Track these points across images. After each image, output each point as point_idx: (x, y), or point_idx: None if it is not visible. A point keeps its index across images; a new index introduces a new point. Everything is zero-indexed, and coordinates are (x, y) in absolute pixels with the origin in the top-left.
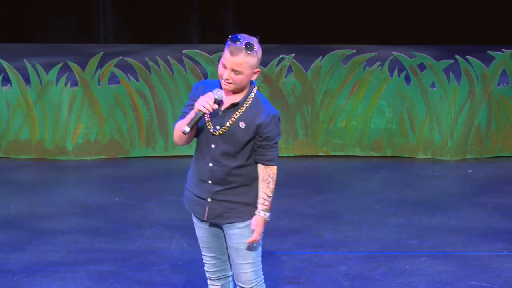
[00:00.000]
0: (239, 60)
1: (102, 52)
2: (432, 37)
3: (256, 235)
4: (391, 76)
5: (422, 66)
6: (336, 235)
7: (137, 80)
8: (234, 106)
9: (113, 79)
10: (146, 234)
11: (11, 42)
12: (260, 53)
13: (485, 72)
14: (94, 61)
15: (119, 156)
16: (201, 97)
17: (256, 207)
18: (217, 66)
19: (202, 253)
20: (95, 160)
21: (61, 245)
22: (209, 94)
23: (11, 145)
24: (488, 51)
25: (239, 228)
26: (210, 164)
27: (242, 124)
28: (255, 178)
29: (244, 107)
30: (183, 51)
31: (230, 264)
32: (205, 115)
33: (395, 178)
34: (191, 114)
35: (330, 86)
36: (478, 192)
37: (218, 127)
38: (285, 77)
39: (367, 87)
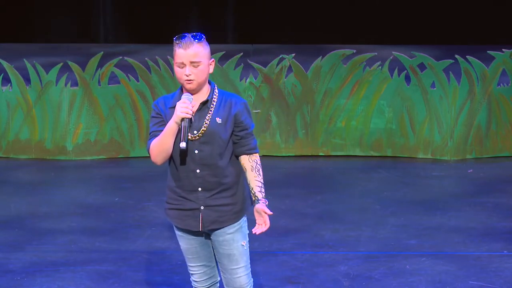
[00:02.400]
0: (194, 51)
1: (102, 52)
2: (432, 37)
3: (268, 221)
4: (391, 76)
5: (422, 66)
6: (336, 235)
7: (137, 80)
8: (204, 104)
9: (113, 79)
10: (146, 234)
11: (11, 42)
12: (208, 44)
13: (485, 72)
14: (94, 61)
15: (119, 156)
16: (177, 107)
17: (243, 206)
18: (217, 66)
19: (190, 264)
20: (95, 160)
21: (61, 245)
22: (183, 100)
23: (11, 145)
24: (488, 51)
25: (229, 233)
26: (198, 171)
27: (219, 120)
28: (239, 176)
29: (214, 102)
30: None
31: (218, 270)
32: (191, 120)
33: (395, 178)
34: (172, 127)
35: (330, 86)
36: (478, 192)
37: (195, 132)
38: (285, 77)
39: (367, 87)
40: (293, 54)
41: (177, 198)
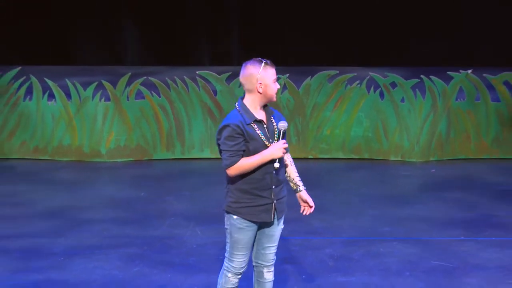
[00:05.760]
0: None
1: (130, 73)
2: (402, 60)
3: (313, 204)
4: (368, 92)
5: (393, 84)
6: (323, 224)
7: (159, 96)
8: (270, 114)
9: (139, 95)
10: (166, 223)
11: (55, 65)
12: None
13: (445, 89)
14: (123, 80)
15: (144, 159)
16: (280, 148)
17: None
18: (225, 84)
19: (238, 253)
20: (125, 162)
21: (96, 232)
22: (284, 141)
23: (55, 149)
24: (448, 72)
25: (281, 218)
26: (274, 173)
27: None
28: None
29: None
30: (197, 72)
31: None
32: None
33: (372, 177)
34: (268, 159)
35: (318, 100)
36: (440, 188)
37: (270, 140)
38: (281, 94)
39: (348, 101)
40: (287, 75)
41: (250, 198)
